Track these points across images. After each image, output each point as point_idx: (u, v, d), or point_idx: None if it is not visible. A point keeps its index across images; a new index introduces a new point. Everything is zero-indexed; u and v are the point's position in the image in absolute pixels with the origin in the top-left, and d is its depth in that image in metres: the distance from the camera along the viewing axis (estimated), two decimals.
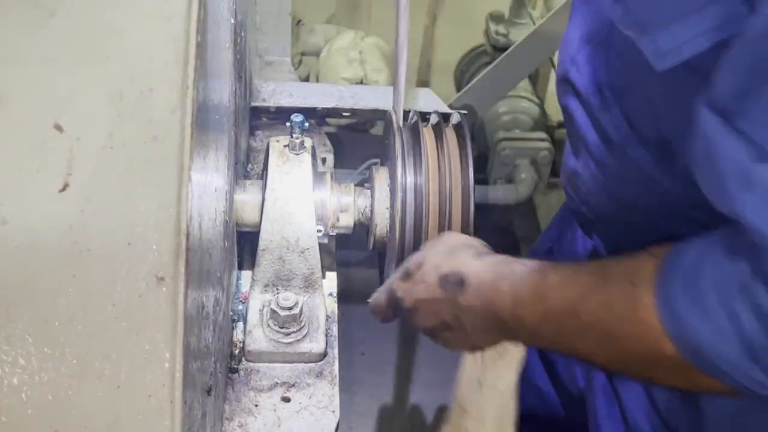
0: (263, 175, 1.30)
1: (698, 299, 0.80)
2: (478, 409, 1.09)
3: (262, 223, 1.25)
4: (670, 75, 0.82)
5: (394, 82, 1.38)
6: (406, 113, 1.39)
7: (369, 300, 1.20)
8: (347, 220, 1.31)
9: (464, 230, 1.28)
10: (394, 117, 1.36)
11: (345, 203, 1.31)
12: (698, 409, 1.06)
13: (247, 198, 1.29)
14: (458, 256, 1.07)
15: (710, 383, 0.83)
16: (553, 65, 2.80)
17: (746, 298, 0.76)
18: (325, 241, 1.32)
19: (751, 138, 0.73)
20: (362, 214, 1.32)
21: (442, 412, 2.52)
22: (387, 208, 1.30)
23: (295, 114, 1.29)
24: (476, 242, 1.12)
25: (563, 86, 1.15)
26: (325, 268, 1.33)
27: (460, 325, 1.05)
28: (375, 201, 1.30)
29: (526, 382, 1.47)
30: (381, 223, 1.30)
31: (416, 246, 1.27)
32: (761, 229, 0.73)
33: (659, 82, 0.88)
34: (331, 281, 1.38)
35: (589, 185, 1.15)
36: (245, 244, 1.39)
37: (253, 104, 1.66)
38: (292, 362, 1.24)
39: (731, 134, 0.74)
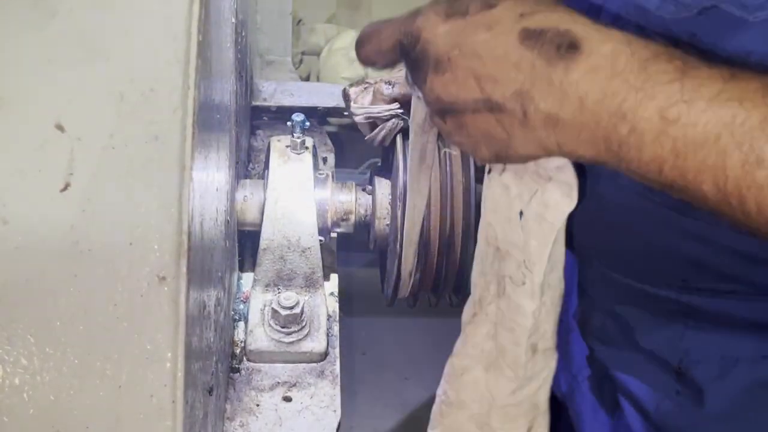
0: (264, 175, 1.31)
1: None
2: (522, 250, 0.85)
3: (263, 223, 1.25)
4: None
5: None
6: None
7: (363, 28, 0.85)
8: (348, 219, 1.32)
9: (466, 230, 1.28)
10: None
11: (346, 202, 1.31)
12: (695, 411, 1.06)
13: (248, 197, 1.29)
14: (563, 12, 0.72)
15: None
16: None
17: None
18: (327, 240, 1.32)
19: None
20: (363, 214, 1.32)
21: None
22: (388, 207, 1.30)
23: (296, 113, 1.29)
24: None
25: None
26: (326, 268, 1.33)
27: (523, 112, 0.71)
28: (376, 200, 1.31)
29: None
30: (382, 222, 1.30)
31: (417, 245, 1.27)
32: None
33: None
34: (332, 281, 1.38)
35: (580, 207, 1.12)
36: (246, 244, 1.39)
37: (254, 104, 1.66)
38: (294, 362, 1.24)
39: None
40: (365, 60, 0.83)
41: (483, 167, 0.94)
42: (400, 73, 1.28)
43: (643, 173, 0.70)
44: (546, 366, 0.96)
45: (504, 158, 0.78)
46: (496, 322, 0.91)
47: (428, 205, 1.27)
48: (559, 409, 1.32)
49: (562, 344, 1.28)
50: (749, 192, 0.64)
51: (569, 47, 0.68)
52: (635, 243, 0.85)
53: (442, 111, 0.77)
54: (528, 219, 0.82)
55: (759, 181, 0.63)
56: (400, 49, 0.79)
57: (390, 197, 1.30)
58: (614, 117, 0.68)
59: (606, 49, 0.68)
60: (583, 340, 1.17)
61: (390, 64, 0.81)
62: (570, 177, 0.79)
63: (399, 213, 1.26)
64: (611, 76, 0.68)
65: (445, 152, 1.29)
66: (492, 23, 0.71)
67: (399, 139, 1.31)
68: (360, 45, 0.83)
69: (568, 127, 0.70)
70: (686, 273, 0.87)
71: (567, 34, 0.69)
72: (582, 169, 0.82)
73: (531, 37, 0.69)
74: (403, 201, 1.26)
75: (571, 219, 0.88)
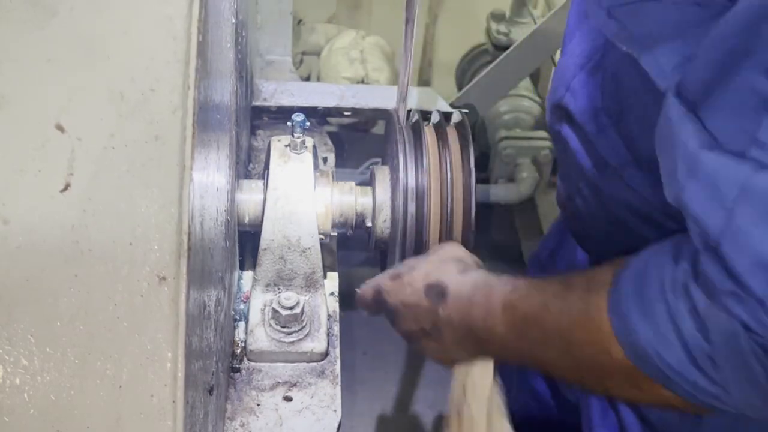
0: (264, 175, 1.30)
1: (643, 301, 0.81)
2: (468, 410, 1.12)
3: (264, 223, 1.25)
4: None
5: (399, 81, 1.37)
6: (407, 112, 1.39)
7: (357, 289, 1.22)
8: (348, 219, 1.31)
9: (466, 229, 1.28)
10: (395, 116, 1.36)
11: (346, 202, 1.31)
12: (694, 419, 1.06)
13: (248, 197, 1.29)
14: (446, 268, 1.10)
15: (663, 394, 0.83)
16: (555, 64, 2.79)
17: (686, 299, 0.77)
18: (327, 240, 1.32)
19: (705, 126, 0.73)
20: (364, 213, 1.32)
21: (443, 411, 2.52)
22: (388, 207, 1.30)
23: (297, 113, 1.29)
24: (469, 258, 1.15)
25: (556, 113, 1.15)
26: (326, 268, 1.33)
27: (438, 335, 1.08)
28: (376, 199, 1.30)
29: (522, 383, 1.47)
30: (382, 222, 1.30)
31: (417, 245, 1.27)
32: (701, 218, 0.74)
33: (655, 100, 0.88)
34: (332, 281, 1.38)
35: (582, 208, 1.15)
36: (246, 244, 1.39)
37: (255, 104, 1.66)
38: (294, 362, 1.24)
39: (690, 121, 0.74)
40: (367, 313, 1.22)
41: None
42: None
43: (510, 359, 1.06)
44: None
45: (453, 363, 1.11)
46: None
47: (427, 205, 1.27)
48: (568, 413, 1.32)
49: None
50: (545, 365, 1.03)
51: (442, 294, 1.07)
52: (635, 242, 0.90)
53: (408, 340, 1.15)
54: None
55: (539, 356, 0.99)
56: (377, 305, 1.18)
57: (390, 197, 1.30)
58: (468, 331, 1.03)
59: (456, 290, 1.06)
60: None
61: (377, 313, 1.19)
62: None
63: (400, 210, 1.26)
64: (459, 307, 1.05)
65: (446, 151, 1.29)
66: (412, 282, 1.11)
67: (398, 131, 1.31)
68: (357, 304, 1.22)
69: (459, 341, 1.06)
70: None
71: (441, 286, 1.07)
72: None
73: (427, 291, 1.08)
74: (404, 200, 1.26)
75: (581, 221, 1.17)
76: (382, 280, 1.16)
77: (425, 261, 1.14)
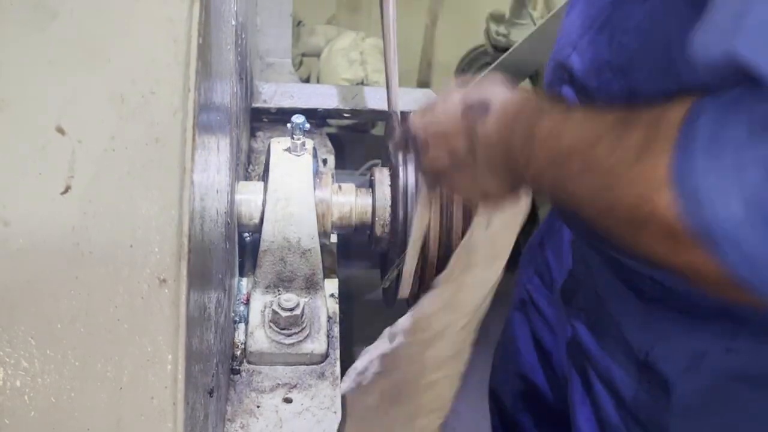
0: (264, 177, 1.31)
1: (713, 146, 0.72)
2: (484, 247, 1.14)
3: (264, 225, 1.25)
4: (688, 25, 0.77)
5: (387, 80, 1.38)
6: (407, 113, 1.39)
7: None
8: (348, 221, 1.32)
9: (466, 230, 1.28)
10: (394, 116, 1.36)
11: (346, 204, 1.31)
12: (664, 401, 1.06)
13: (248, 199, 1.29)
14: (488, 86, 1.01)
15: (698, 260, 0.74)
16: None
17: (757, 149, 0.69)
18: (327, 242, 1.33)
19: None
20: (364, 214, 1.32)
21: None
22: (388, 208, 1.30)
23: (296, 115, 1.29)
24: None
25: (558, 73, 1.15)
26: (326, 269, 1.33)
27: (472, 160, 1.00)
28: (376, 201, 1.31)
29: (512, 363, 1.47)
30: (382, 223, 1.30)
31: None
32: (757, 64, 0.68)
33: (668, 46, 0.87)
34: (332, 282, 1.38)
35: None
36: (246, 246, 1.39)
37: (254, 105, 1.66)
38: (294, 363, 1.24)
39: None
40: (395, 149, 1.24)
41: None
42: None
43: (542, 190, 0.99)
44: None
45: (489, 199, 1.05)
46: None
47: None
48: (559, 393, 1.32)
49: (556, 323, 1.29)
50: (576, 203, 0.87)
51: (484, 110, 0.97)
52: None
53: (437, 180, 1.09)
54: None
55: (574, 192, 0.86)
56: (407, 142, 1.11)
57: (390, 199, 1.30)
58: (507, 152, 0.95)
59: (500, 105, 0.97)
60: (567, 322, 1.19)
61: (407, 149, 1.13)
62: None
63: (399, 213, 1.26)
64: (501, 123, 0.96)
65: None
66: (447, 109, 1.02)
67: (398, 125, 1.31)
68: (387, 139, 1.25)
69: (494, 166, 0.98)
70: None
71: (483, 103, 0.98)
72: None
73: (465, 111, 0.99)
74: (404, 201, 1.26)
75: None
76: (412, 116, 1.09)
77: (463, 89, 1.04)
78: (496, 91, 0.99)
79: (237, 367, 1.23)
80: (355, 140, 2.80)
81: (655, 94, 0.90)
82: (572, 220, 1.22)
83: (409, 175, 1.27)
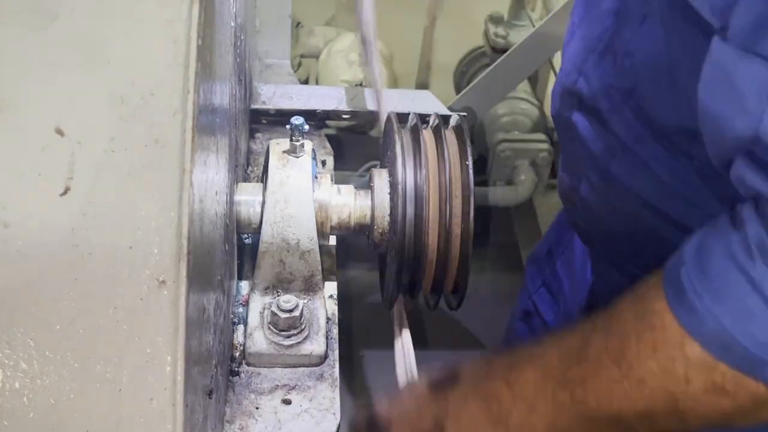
0: (263, 178, 1.30)
1: (712, 281, 0.74)
2: None
3: (263, 226, 1.25)
4: (697, 50, 0.80)
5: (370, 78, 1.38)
6: (405, 115, 1.39)
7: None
8: (347, 222, 1.31)
9: (464, 232, 1.28)
10: (393, 118, 1.36)
11: (345, 205, 1.31)
12: None
13: (247, 200, 1.29)
14: (450, 368, 1.05)
15: (755, 392, 0.74)
16: (553, 67, 2.80)
17: (764, 259, 0.70)
18: (326, 243, 1.32)
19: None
20: (362, 216, 1.32)
21: None
22: (387, 209, 1.30)
23: (295, 117, 1.29)
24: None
25: (566, 100, 1.15)
26: (325, 270, 1.33)
27: None
28: (375, 202, 1.30)
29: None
30: (381, 225, 1.30)
31: (417, 248, 1.27)
32: None
33: (676, 66, 0.87)
34: (331, 283, 1.38)
35: (587, 198, 1.15)
36: (245, 248, 1.39)
37: (253, 107, 1.66)
38: (293, 365, 1.24)
39: (751, 58, 0.71)
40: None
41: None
42: None
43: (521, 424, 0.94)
44: None
45: None
46: None
47: (426, 207, 1.27)
48: None
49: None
50: None
51: (453, 379, 1.00)
52: (641, 234, 0.89)
53: None
54: None
55: None
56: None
57: (389, 200, 1.30)
58: (493, 396, 0.95)
59: (470, 368, 1.02)
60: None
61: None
62: None
63: (399, 215, 1.26)
64: (480, 376, 1.00)
65: (444, 154, 1.29)
66: (411, 393, 1.10)
67: (396, 136, 1.31)
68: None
69: (477, 423, 0.97)
70: None
71: (450, 373, 1.01)
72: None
73: (432, 386, 1.04)
74: (403, 202, 1.26)
75: (586, 212, 1.11)
76: (378, 402, 1.13)
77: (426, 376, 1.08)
78: (459, 366, 1.03)
79: (236, 369, 1.23)
80: (354, 142, 2.80)
81: (664, 114, 0.91)
82: (594, 242, 1.22)
83: (407, 175, 1.27)
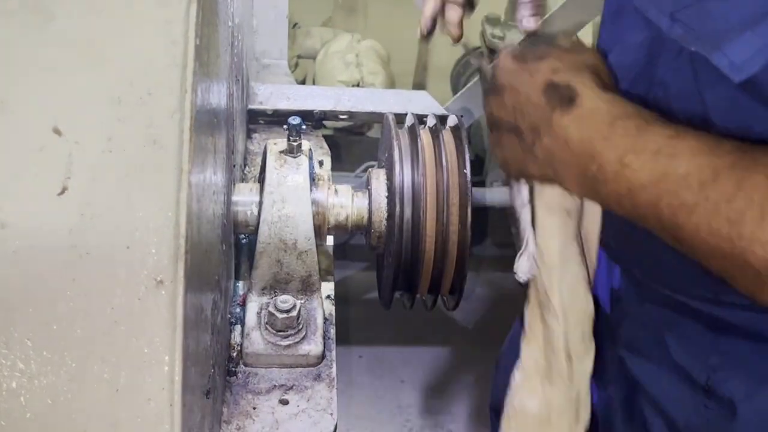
0: (261, 178, 1.30)
1: None
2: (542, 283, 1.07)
3: (260, 226, 1.25)
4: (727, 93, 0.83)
5: None
6: (403, 115, 1.40)
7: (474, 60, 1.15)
8: (345, 223, 1.32)
9: (462, 232, 1.28)
10: (392, 119, 1.36)
11: (342, 206, 1.31)
12: (725, 423, 1.05)
13: (244, 201, 1.29)
14: (583, 74, 0.95)
15: None
16: None
17: None
18: (323, 243, 1.32)
19: None
20: (360, 217, 1.32)
21: (439, 415, 2.53)
22: (384, 210, 1.30)
23: (293, 117, 1.29)
24: (609, 78, 0.99)
25: None
26: (323, 271, 1.33)
27: (533, 142, 0.95)
28: (372, 203, 1.31)
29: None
30: (379, 225, 1.30)
31: (414, 248, 1.27)
32: None
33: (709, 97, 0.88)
34: (328, 284, 1.38)
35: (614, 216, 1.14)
36: (242, 248, 1.39)
37: (251, 107, 1.66)
38: (290, 365, 1.24)
39: None
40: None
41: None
42: None
43: (609, 204, 0.91)
44: (580, 367, 1.12)
45: (523, 175, 1.03)
46: (543, 342, 1.11)
47: (423, 208, 1.27)
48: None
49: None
50: (676, 229, 0.83)
51: (569, 100, 0.91)
52: (669, 252, 0.88)
53: (490, 124, 1.04)
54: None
55: (680, 221, 0.82)
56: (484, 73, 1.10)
57: (387, 201, 1.30)
58: (587, 157, 0.90)
59: (593, 105, 0.91)
60: (612, 349, 1.17)
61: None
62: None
63: (396, 215, 1.26)
64: (590, 126, 0.90)
65: (442, 155, 1.29)
66: (534, 71, 0.96)
67: (394, 135, 1.31)
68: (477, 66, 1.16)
69: (558, 161, 0.93)
70: (716, 286, 0.88)
71: (570, 90, 0.92)
72: None
73: (548, 88, 0.94)
74: (400, 202, 1.26)
75: (610, 228, 1.08)
76: (505, 54, 1.02)
77: (557, 54, 0.98)
78: (585, 82, 0.93)
79: (233, 369, 1.23)
80: (351, 142, 2.80)
81: None
82: (629, 261, 1.19)
83: (405, 175, 1.27)
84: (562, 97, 0.92)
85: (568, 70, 0.95)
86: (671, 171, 0.83)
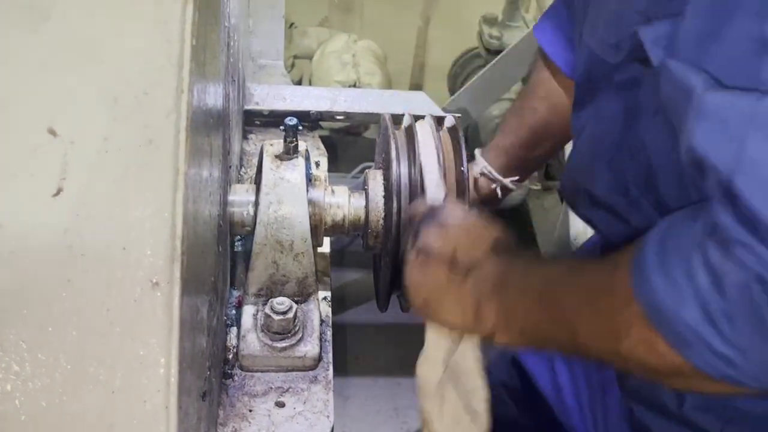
0: (257, 179, 1.30)
1: (663, 259, 0.80)
2: (443, 395, 1.12)
3: (256, 228, 1.25)
4: None
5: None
6: (400, 116, 1.39)
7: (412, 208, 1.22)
8: (341, 224, 1.31)
9: None
10: (389, 119, 1.35)
11: (339, 206, 1.31)
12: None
13: (240, 202, 1.28)
14: (476, 250, 1.07)
15: (677, 363, 0.81)
16: None
17: (701, 253, 0.76)
18: (320, 245, 1.32)
19: (706, 69, 0.76)
20: (357, 218, 1.31)
21: None
22: (382, 210, 1.29)
23: (289, 118, 1.29)
24: (507, 243, 1.10)
25: (581, 199, 1.17)
26: (319, 272, 1.33)
27: (463, 275, 1.06)
28: (369, 203, 1.30)
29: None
30: (376, 225, 1.30)
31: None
32: (712, 157, 0.75)
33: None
34: (325, 285, 1.38)
35: None
36: (239, 249, 1.38)
37: (247, 107, 1.66)
38: (287, 367, 1.24)
39: (692, 73, 0.78)
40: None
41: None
42: None
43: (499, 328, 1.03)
44: None
45: (426, 304, 1.10)
46: None
47: None
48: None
49: (598, 405, 1.29)
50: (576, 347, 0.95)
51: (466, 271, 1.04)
52: None
53: (421, 251, 1.10)
54: None
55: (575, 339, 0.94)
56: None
57: (383, 201, 1.29)
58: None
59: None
60: (621, 401, 1.18)
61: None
62: None
63: (393, 215, 1.26)
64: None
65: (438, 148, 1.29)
66: (439, 250, 1.08)
67: (391, 135, 1.30)
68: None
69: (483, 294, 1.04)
70: None
71: (465, 265, 1.04)
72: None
73: (451, 264, 1.06)
74: (397, 203, 1.26)
75: None
76: (427, 222, 1.13)
77: (460, 229, 1.11)
78: (480, 256, 1.06)
79: (229, 371, 1.23)
80: (347, 143, 2.80)
81: (680, 203, 0.93)
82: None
83: (402, 175, 1.27)
84: (462, 268, 1.05)
85: (467, 248, 1.07)
86: (528, 286, 0.99)
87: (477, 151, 1.51)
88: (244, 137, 1.64)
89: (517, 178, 1.48)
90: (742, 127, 0.73)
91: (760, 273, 0.72)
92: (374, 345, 2.60)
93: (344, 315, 2.54)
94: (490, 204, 1.50)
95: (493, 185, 1.48)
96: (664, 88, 0.83)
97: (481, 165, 1.48)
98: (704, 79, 0.76)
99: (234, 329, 1.28)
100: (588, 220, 1.21)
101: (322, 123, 1.75)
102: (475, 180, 1.48)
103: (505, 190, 1.49)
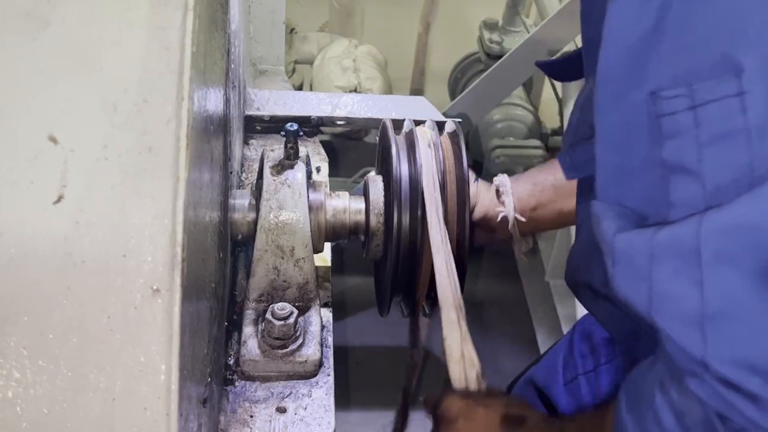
0: (258, 185, 1.30)
1: (636, 415, 0.83)
2: None
3: (257, 233, 1.25)
4: None
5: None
6: (400, 121, 1.39)
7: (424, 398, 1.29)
8: (342, 229, 1.31)
9: (460, 239, 1.28)
10: (389, 124, 1.35)
11: (340, 212, 1.31)
12: None
13: (241, 207, 1.28)
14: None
15: None
16: None
17: (664, 395, 0.78)
18: (320, 250, 1.32)
19: (614, 215, 0.79)
20: (357, 222, 1.31)
21: None
22: (382, 215, 1.30)
23: (290, 123, 1.29)
24: (511, 409, 1.16)
25: (582, 291, 1.18)
26: (320, 278, 1.33)
27: None
28: (370, 208, 1.30)
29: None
30: (376, 230, 1.30)
31: (412, 255, 1.27)
32: (631, 301, 0.75)
33: None
34: (325, 291, 1.38)
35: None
36: (239, 255, 1.39)
37: (247, 113, 1.66)
38: (288, 372, 1.23)
39: (606, 212, 0.80)
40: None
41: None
42: None
43: None
44: None
45: None
46: None
47: (422, 214, 1.26)
48: None
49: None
50: None
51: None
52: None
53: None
54: None
55: None
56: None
57: (384, 207, 1.29)
58: None
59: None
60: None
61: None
62: None
63: (393, 220, 1.26)
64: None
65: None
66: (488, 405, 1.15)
67: (392, 140, 1.30)
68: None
69: None
70: None
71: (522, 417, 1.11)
72: None
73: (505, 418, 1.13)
74: (398, 208, 1.26)
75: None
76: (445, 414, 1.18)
77: (463, 422, 1.15)
78: (528, 409, 1.14)
79: (230, 377, 1.23)
80: (348, 148, 2.80)
81: None
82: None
83: (402, 180, 1.27)
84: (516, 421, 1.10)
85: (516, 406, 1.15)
86: None
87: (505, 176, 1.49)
88: (245, 143, 1.65)
89: (524, 220, 1.46)
90: (645, 266, 0.73)
91: (718, 409, 0.72)
92: (375, 351, 2.60)
93: (345, 320, 2.54)
94: (486, 229, 1.48)
95: (498, 209, 1.46)
96: (595, 230, 0.84)
97: (501, 182, 1.47)
98: (614, 223, 0.78)
99: (235, 335, 1.28)
100: (593, 314, 1.22)
101: (322, 128, 1.75)
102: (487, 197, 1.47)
103: (505, 222, 1.47)
